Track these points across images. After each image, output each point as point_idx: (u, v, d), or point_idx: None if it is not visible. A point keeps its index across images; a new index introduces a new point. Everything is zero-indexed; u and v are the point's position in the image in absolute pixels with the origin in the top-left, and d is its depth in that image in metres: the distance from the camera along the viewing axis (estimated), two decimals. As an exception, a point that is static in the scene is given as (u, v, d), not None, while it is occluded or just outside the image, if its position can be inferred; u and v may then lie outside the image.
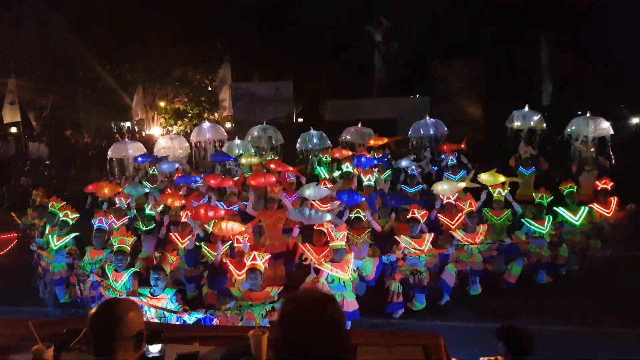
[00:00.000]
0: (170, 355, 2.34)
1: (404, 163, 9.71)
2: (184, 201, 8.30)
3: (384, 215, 8.32)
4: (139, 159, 11.14)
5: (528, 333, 3.57)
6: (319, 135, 11.66)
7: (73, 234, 7.46)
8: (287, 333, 1.59)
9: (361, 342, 2.69)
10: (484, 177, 8.04)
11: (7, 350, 2.57)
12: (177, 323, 4.83)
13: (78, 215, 7.72)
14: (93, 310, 1.93)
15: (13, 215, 9.62)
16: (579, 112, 10.76)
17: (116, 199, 9.27)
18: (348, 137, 11.71)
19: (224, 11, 21.62)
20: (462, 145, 10.42)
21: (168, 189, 9.51)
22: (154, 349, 2.19)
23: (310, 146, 11.61)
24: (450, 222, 7.42)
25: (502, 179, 7.99)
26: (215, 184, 8.79)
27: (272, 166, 9.53)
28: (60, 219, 7.53)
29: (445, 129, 11.29)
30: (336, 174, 9.93)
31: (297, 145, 11.72)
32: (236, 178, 9.27)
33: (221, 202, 8.25)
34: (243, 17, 21.74)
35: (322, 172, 10.11)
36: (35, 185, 13.62)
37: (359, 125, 11.84)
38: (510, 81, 17.46)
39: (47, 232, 7.64)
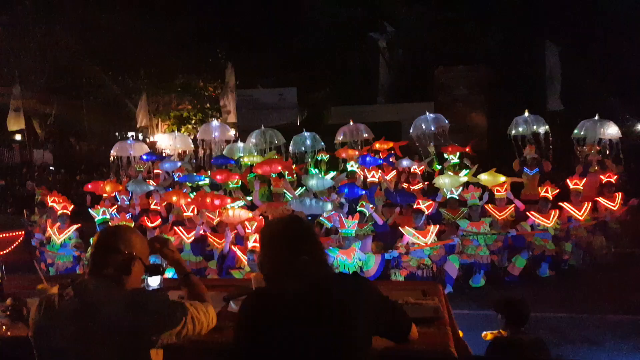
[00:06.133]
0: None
1: (404, 163, 9.76)
2: (189, 199, 8.29)
3: (389, 214, 8.29)
4: (144, 156, 11.16)
5: (524, 303, 3.72)
6: (311, 136, 11.48)
7: (75, 226, 7.47)
8: (263, 248, 1.89)
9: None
10: (484, 178, 8.03)
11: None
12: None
13: (73, 205, 7.75)
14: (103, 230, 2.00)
15: (25, 212, 9.68)
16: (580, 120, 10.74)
17: (118, 196, 9.30)
18: (340, 138, 11.69)
19: (227, 18, 21.84)
20: (468, 149, 10.41)
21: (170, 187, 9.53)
22: (153, 282, 2.17)
23: (303, 148, 11.50)
24: (453, 215, 7.41)
25: (502, 178, 7.97)
26: (222, 180, 8.80)
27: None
28: (60, 212, 7.55)
29: (446, 121, 11.25)
30: (330, 175, 9.92)
31: (290, 147, 11.55)
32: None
33: None
34: (247, 24, 21.95)
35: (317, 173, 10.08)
36: (40, 185, 13.66)
37: (351, 123, 11.84)
38: (514, 88, 17.51)
39: (48, 227, 7.66)
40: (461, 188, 7.85)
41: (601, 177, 8.52)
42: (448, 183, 7.78)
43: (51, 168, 21.71)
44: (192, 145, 12.27)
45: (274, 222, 1.99)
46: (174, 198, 8.42)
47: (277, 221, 1.99)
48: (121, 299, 1.78)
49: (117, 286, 1.85)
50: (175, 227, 7.51)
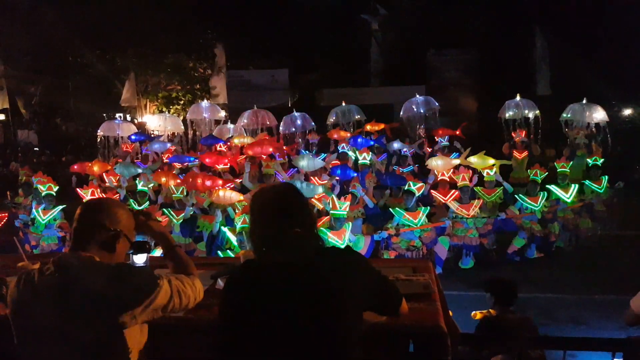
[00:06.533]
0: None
1: (395, 145, 9.76)
2: (178, 180, 8.19)
3: (379, 196, 8.32)
4: (132, 136, 11.00)
5: (512, 282, 3.86)
6: (302, 116, 11.43)
7: (60, 207, 7.37)
8: (253, 217, 1.78)
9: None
10: (474, 160, 8.08)
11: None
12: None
13: (58, 187, 7.64)
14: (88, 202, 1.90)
15: (8, 193, 9.48)
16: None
17: (105, 177, 9.18)
18: (332, 119, 11.61)
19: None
20: (458, 132, 10.43)
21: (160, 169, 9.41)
22: (139, 259, 2.12)
23: (294, 129, 11.40)
24: (443, 197, 7.44)
25: (491, 161, 8.04)
26: (210, 162, 8.70)
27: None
28: (45, 193, 7.44)
29: (437, 104, 11.25)
30: (321, 156, 9.87)
31: (281, 128, 11.47)
32: None
33: None
34: (238, 4, 21.55)
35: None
36: (23, 166, 13.43)
37: (343, 104, 11.75)
38: (505, 72, 17.47)
39: (33, 208, 7.56)
40: (451, 170, 7.89)
41: (587, 160, 8.60)
42: (440, 165, 7.83)
43: (36, 149, 21.34)
44: (183, 127, 12.12)
45: (266, 190, 1.84)
46: (163, 179, 8.32)
47: (269, 189, 1.85)
48: (103, 273, 1.72)
49: (99, 261, 1.78)
50: (164, 209, 7.44)
